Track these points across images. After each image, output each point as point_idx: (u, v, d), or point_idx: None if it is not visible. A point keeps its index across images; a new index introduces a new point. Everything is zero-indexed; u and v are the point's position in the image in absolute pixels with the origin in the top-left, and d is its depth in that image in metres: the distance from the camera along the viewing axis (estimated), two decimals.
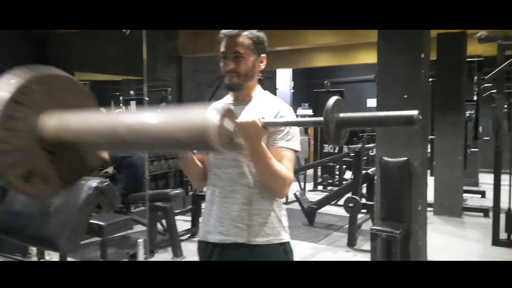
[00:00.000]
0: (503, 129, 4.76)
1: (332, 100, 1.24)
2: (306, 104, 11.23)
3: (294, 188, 6.32)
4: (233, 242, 1.55)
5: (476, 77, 6.52)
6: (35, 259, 3.32)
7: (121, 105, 8.54)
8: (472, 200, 6.83)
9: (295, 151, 1.57)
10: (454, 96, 5.84)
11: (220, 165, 1.59)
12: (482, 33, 4.37)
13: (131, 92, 8.42)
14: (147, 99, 3.91)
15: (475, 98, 6.63)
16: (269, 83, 8.71)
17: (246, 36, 1.56)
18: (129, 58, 6.62)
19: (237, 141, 1.03)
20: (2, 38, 4.78)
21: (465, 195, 6.39)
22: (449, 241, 4.92)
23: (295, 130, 1.58)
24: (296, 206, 5.74)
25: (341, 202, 5.29)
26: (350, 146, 5.54)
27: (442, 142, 5.93)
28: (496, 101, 4.72)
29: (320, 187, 7.98)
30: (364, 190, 5.63)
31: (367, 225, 5.10)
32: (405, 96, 3.34)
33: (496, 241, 4.66)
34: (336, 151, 8.42)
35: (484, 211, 5.96)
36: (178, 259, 4.21)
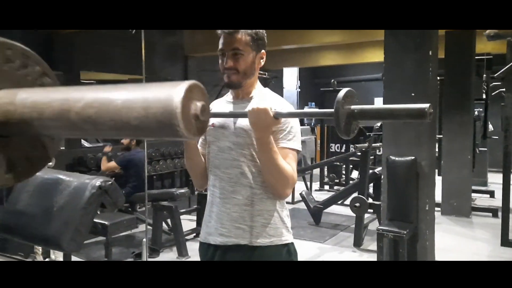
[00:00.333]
0: None
1: (343, 91, 1.21)
2: (313, 103, 11.19)
3: (300, 188, 6.29)
4: (235, 244, 1.51)
5: (485, 76, 6.43)
6: (40, 258, 3.31)
7: None
8: (480, 200, 6.75)
9: (297, 151, 1.53)
10: (463, 94, 5.77)
11: (220, 165, 1.55)
12: (491, 30, 4.30)
13: None
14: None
15: (484, 96, 6.54)
16: (275, 82, 8.68)
17: (244, 32, 1.51)
18: (134, 57, 6.64)
19: (205, 123, 0.78)
20: (7, 37, 4.79)
21: (473, 195, 6.32)
22: (457, 241, 4.86)
23: (297, 130, 1.54)
24: (302, 205, 5.71)
25: (348, 201, 5.26)
26: (357, 145, 5.49)
27: (451, 142, 5.87)
28: (506, 99, 4.65)
29: (326, 187, 7.94)
30: (370, 190, 5.58)
31: (374, 225, 5.06)
32: (413, 94, 3.29)
33: (505, 242, 4.60)
34: (342, 150, 8.37)
35: (493, 211, 5.89)
36: (183, 259, 4.20)
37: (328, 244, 4.78)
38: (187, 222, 5.06)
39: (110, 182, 2.61)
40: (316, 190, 7.56)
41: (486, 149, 7.62)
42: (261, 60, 1.59)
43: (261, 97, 1.58)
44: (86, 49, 6.04)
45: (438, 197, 4.97)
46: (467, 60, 5.76)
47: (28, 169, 0.91)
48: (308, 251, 4.47)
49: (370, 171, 5.11)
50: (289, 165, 1.47)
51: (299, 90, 11.77)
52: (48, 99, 0.82)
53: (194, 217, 5.09)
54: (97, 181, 2.50)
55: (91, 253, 4.38)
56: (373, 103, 12.54)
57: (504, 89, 4.86)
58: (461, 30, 5.52)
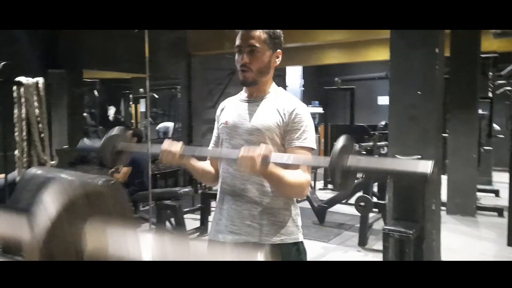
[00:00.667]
0: None
1: (340, 142, 1.16)
2: (317, 102, 11.13)
3: None
4: (245, 242, 1.51)
5: (491, 74, 6.38)
6: None
7: (130, 103, 8.54)
8: (485, 199, 6.70)
9: (312, 149, 1.53)
10: (468, 93, 5.72)
11: (231, 163, 1.55)
12: None
13: (141, 90, 8.42)
14: (156, 96, 3.88)
15: (490, 95, 6.48)
16: (279, 81, 8.63)
17: (262, 30, 1.51)
18: (138, 55, 6.61)
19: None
20: (11, 36, 4.78)
21: (478, 194, 6.27)
22: (463, 241, 4.82)
23: (311, 127, 1.54)
24: (306, 204, 5.66)
25: (352, 201, 5.22)
26: (362, 144, 5.45)
27: (456, 140, 5.81)
28: None
29: (330, 186, 7.89)
30: (375, 189, 5.54)
31: (378, 225, 5.03)
32: (419, 92, 3.25)
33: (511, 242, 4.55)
34: None
35: (499, 211, 5.84)
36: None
37: (332, 244, 4.75)
38: (191, 221, 5.04)
39: (112, 181, 2.59)
40: (320, 189, 7.52)
41: (491, 148, 7.56)
42: (277, 60, 1.58)
43: (275, 96, 1.58)
44: (90, 48, 6.02)
45: (443, 196, 4.93)
46: (472, 58, 5.71)
47: None
48: (313, 250, 4.44)
49: None
50: (298, 171, 1.46)
51: (303, 88, 11.72)
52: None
53: (198, 216, 5.07)
54: (100, 180, 2.48)
55: None
56: (376, 102, 12.49)
57: (509, 88, 4.81)
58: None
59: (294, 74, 11.39)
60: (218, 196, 1.62)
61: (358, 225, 4.84)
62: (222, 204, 1.58)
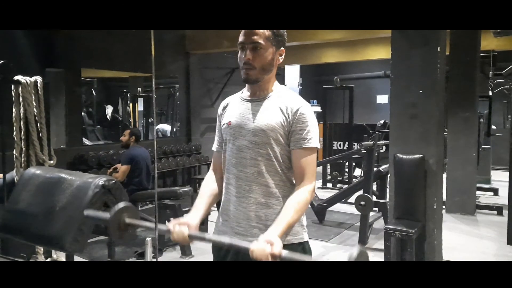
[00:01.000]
0: None
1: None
2: (315, 101, 11.12)
3: None
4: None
5: (491, 72, 6.37)
6: (42, 258, 3.27)
7: (128, 102, 8.49)
8: (484, 197, 6.70)
9: (316, 149, 1.53)
10: (468, 91, 5.71)
11: (237, 164, 1.54)
12: None
13: (139, 89, 8.37)
14: (155, 96, 3.85)
15: (490, 93, 6.48)
16: (278, 80, 8.61)
17: None
18: (136, 54, 6.58)
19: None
20: (9, 34, 4.74)
21: (477, 192, 6.27)
22: (463, 239, 4.81)
23: (315, 127, 1.54)
24: None
25: (351, 199, 5.21)
26: (362, 143, 5.43)
27: (455, 139, 5.81)
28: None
29: (329, 185, 7.89)
30: (374, 188, 5.53)
31: (378, 223, 5.02)
32: (420, 91, 3.23)
33: (511, 240, 4.55)
34: (345, 148, 8.32)
35: (498, 209, 5.85)
36: (187, 258, 4.15)
37: (332, 243, 4.73)
38: None
39: (113, 181, 2.56)
40: (318, 188, 7.51)
41: (489, 146, 7.57)
42: (280, 57, 1.57)
43: (278, 95, 1.56)
44: (87, 46, 5.98)
45: (443, 195, 4.93)
46: (471, 57, 5.70)
47: None
48: (313, 249, 4.37)
49: (375, 169, 5.06)
50: (301, 196, 1.46)
51: (301, 87, 11.70)
52: None
53: None
54: (100, 180, 2.45)
55: (93, 252, 4.33)
56: (375, 101, 12.50)
57: (507, 86, 4.80)
58: None
59: (292, 73, 11.38)
60: (223, 197, 1.60)
61: (357, 224, 4.83)
62: (227, 205, 1.57)
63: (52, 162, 3.38)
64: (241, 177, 1.52)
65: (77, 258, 3.80)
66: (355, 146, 7.85)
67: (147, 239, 3.56)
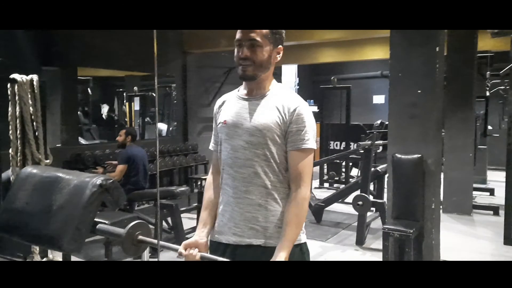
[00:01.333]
0: None
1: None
2: (311, 101, 11.11)
3: None
4: (248, 244, 1.49)
5: (488, 73, 6.39)
6: (37, 258, 3.23)
7: (124, 101, 8.45)
8: (480, 198, 6.72)
9: (313, 150, 1.51)
10: (464, 92, 5.73)
11: (233, 164, 1.51)
12: None
13: (135, 88, 8.34)
14: (154, 95, 3.83)
15: (487, 94, 6.50)
16: (274, 79, 8.59)
17: None
18: (133, 53, 6.55)
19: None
20: (5, 33, 4.70)
21: (473, 192, 6.29)
22: (460, 240, 4.82)
23: (312, 128, 1.51)
24: None
25: (348, 199, 5.20)
26: (360, 143, 5.43)
27: (452, 139, 5.82)
28: (509, 97, 4.60)
29: (326, 184, 7.88)
30: (371, 188, 5.53)
31: (376, 223, 5.02)
32: (419, 91, 3.23)
33: (508, 240, 4.57)
34: (342, 148, 8.33)
35: (494, 209, 5.86)
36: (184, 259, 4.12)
37: (330, 243, 4.73)
38: (187, 221, 4.99)
39: (111, 181, 2.54)
40: (315, 188, 7.50)
41: (485, 147, 7.59)
42: (278, 56, 1.55)
43: (275, 94, 1.54)
44: (84, 45, 5.94)
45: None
46: (468, 57, 5.71)
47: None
48: (310, 249, 4.39)
49: (372, 169, 5.06)
50: (299, 211, 1.46)
51: (298, 87, 11.69)
52: None
53: (194, 216, 5.02)
54: (98, 179, 2.43)
55: (90, 252, 4.30)
56: (372, 101, 12.50)
57: (503, 87, 4.81)
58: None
59: (289, 73, 11.37)
60: (220, 197, 1.58)
61: (355, 224, 4.83)
62: (225, 205, 1.55)
63: (48, 161, 3.35)
64: (237, 178, 1.50)
65: (73, 258, 3.77)
66: (352, 146, 7.86)
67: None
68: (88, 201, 2.39)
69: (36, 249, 3.29)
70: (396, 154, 3.34)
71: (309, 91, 12.20)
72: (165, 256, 4.25)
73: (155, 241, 1.53)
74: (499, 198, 5.91)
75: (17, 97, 3.16)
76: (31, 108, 3.20)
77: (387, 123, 4.62)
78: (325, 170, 7.97)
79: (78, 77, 6.35)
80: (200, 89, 8.25)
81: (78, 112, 6.80)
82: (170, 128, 8.46)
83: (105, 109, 8.60)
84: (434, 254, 3.37)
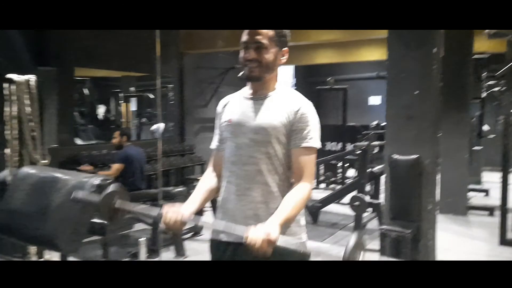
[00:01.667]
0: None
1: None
2: None
3: None
4: None
5: (484, 74, 6.43)
6: (34, 258, 3.22)
7: (120, 102, 8.44)
8: (475, 198, 6.76)
9: (317, 149, 1.53)
10: (460, 93, 5.75)
11: (237, 162, 1.53)
12: None
13: (131, 88, 8.33)
14: (152, 96, 3.83)
15: (483, 95, 6.54)
16: None
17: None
18: (129, 54, 6.54)
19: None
20: (1, 33, 4.68)
21: (468, 193, 6.32)
22: (456, 240, 4.85)
23: (316, 127, 1.54)
24: None
25: (345, 200, 5.21)
26: (356, 144, 5.45)
27: (448, 140, 5.84)
28: (505, 98, 4.63)
29: (322, 185, 7.90)
30: (368, 188, 5.54)
31: (372, 224, 5.03)
32: (416, 92, 3.25)
33: (503, 241, 4.59)
34: (338, 148, 8.35)
35: (489, 210, 5.89)
36: (181, 258, 4.13)
37: (326, 243, 4.72)
38: None
39: (108, 181, 2.54)
40: (312, 189, 7.51)
41: (480, 147, 7.64)
42: (282, 58, 1.57)
43: (280, 94, 1.56)
44: (80, 45, 5.92)
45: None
46: (464, 58, 5.74)
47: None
48: None
49: (368, 169, 5.07)
50: (301, 191, 1.47)
51: (295, 88, 11.73)
52: None
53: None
54: (96, 180, 2.43)
55: (87, 252, 4.28)
56: (367, 102, 12.54)
57: (497, 89, 4.85)
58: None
59: (286, 74, 11.40)
60: (222, 194, 1.59)
61: (351, 224, 4.84)
62: (226, 203, 1.56)
63: (46, 161, 3.34)
64: (241, 175, 1.52)
65: (70, 259, 3.76)
66: (348, 146, 7.88)
67: (140, 239, 3.55)
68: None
69: (33, 249, 3.28)
70: (393, 155, 3.36)
71: (305, 92, 12.14)
72: (164, 255, 4.26)
73: (132, 207, 1.54)
74: (494, 198, 5.95)
75: (14, 97, 3.15)
76: (28, 108, 3.20)
77: (383, 124, 4.66)
78: (322, 171, 7.98)
79: (75, 78, 6.33)
80: (197, 90, 8.24)
81: (75, 113, 6.79)
82: (167, 129, 8.46)
83: (101, 109, 8.59)
84: (430, 255, 3.39)
